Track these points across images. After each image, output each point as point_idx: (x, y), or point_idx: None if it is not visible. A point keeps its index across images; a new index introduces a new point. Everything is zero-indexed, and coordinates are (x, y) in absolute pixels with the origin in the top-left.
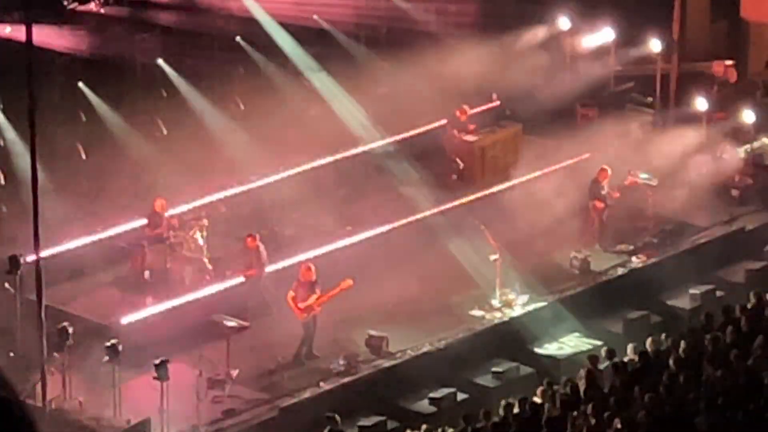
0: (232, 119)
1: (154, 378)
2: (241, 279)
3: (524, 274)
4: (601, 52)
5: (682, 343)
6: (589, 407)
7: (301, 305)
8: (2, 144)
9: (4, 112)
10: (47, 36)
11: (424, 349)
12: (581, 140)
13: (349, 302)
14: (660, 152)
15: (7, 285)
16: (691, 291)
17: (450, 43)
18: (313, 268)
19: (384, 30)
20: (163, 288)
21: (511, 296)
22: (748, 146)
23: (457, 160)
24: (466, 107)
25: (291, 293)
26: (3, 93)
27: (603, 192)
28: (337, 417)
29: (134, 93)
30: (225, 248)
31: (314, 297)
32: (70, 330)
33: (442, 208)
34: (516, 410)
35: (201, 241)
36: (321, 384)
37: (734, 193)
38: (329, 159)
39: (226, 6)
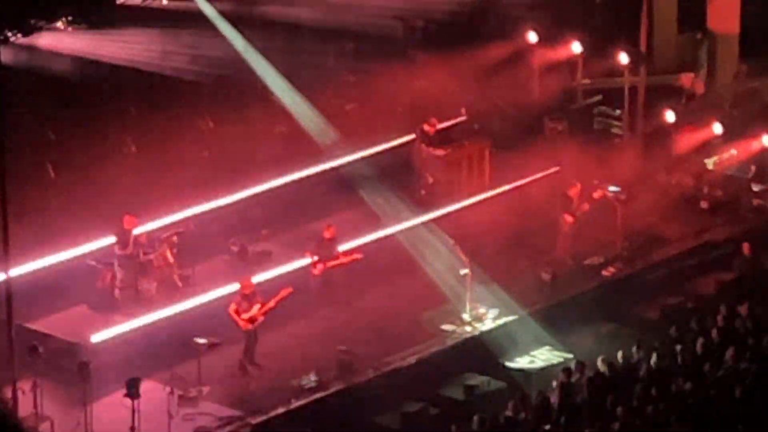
0: (200, 136)
1: (125, 396)
2: (213, 296)
3: (495, 288)
4: (568, 66)
5: (654, 355)
6: (562, 420)
7: (245, 316)
8: None
9: None
10: (15, 55)
11: (396, 365)
12: (550, 154)
13: (321, 318)
14: (628, 165)
15: None
16: (662, 303)
17: (417, 57)
18: (253, 279)
19: (351, 45)
20: (133, 306)
21: (482, 310)
22: (716, 158)
23: (426, 174)
24: (434, 121)
25: (233, 306)
26: None
27: (572, 206)
28: None
29: (103, 111)
30: (194, 265)
31: (257, 307)
32: (41, 349)
33: (412, 223)
34: (488, 424)
35: (171, 259)
36: (292, 400)
37: (703, 204)
38: (298, 175)
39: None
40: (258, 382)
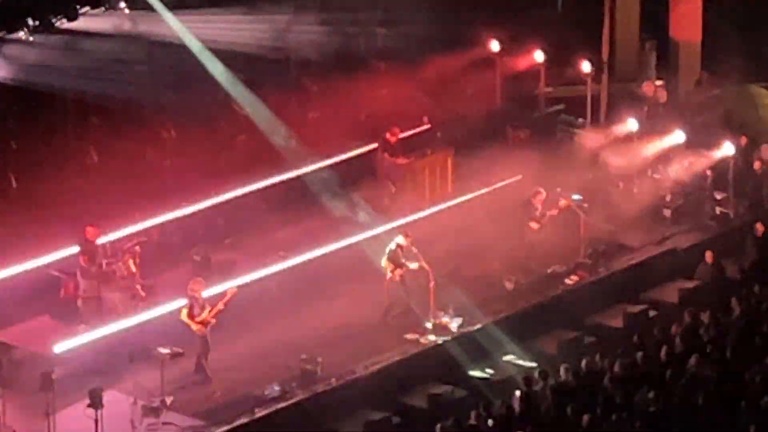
0: (163, 145)
1: (89, 406)
2: (176, 305)
3: (458, 297)
4: (531, 74)
5: (617, 364)
6: (526, 429)
7: (198, 320)
8: None
9: None
10: None
11: (359, 373)
12: (512, 162)
13: (283, 327)
14: (592, 173)
15: None
16: (625, 311)
17: (380, 66)
18: (202, 282)
19: (314, 54)
20: (96, 315)
21: (445, 319)
22: (678, 166)
23: (389, 183)
24: (396, 129)
25: (185, 310)
26: None
27: (537, 213)
28: None
29: (65, 121)
30: (158, 275)
31: (207, 310)
32: (3, 359)
33: (375, 231)
34: None
35: (133, 268)
36: (256, 410)
37: (666, 213)
38: (261, 184)
39: (155, 32)
40: (221, 391)
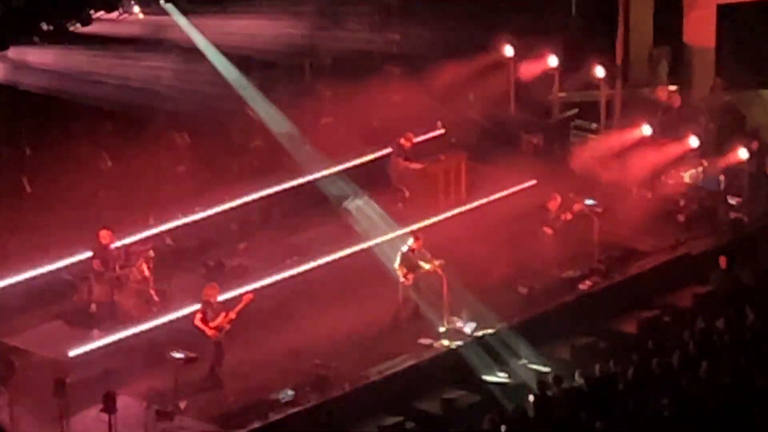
0: (176, 150)
1: (102, 411)
2: (189, 310)
3: (472, 302)
4: (545, 79)
5: (630, 369)
6: None
7: (212, 324)
8: None
9: None
10: None
11: (372, 378)
12: (526, 167)
13: (297, 332)
14: (605, 178)
15: None
16: (639, 316)
17: (394, 71)
18: (217, 288)
19: (328, 59)
20: (109, 320)
21: (459, 324)
22: (693, 171)
23: (403, 188)
24: (410, 134)
25: (199, 315)
26: None
27: (551, 218)
28: None
29: (79, 126)
30: (171, 280)
31: (222, 315)
32: (17, 364)
33: (389, 236)
34: None
35: (147, 273)
36: (269, 415)
37: (680, 218)
38: (274, 189)
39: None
40: (235, 396)
